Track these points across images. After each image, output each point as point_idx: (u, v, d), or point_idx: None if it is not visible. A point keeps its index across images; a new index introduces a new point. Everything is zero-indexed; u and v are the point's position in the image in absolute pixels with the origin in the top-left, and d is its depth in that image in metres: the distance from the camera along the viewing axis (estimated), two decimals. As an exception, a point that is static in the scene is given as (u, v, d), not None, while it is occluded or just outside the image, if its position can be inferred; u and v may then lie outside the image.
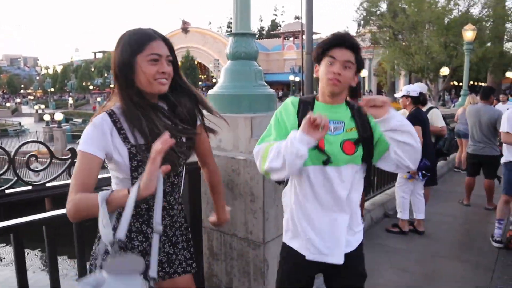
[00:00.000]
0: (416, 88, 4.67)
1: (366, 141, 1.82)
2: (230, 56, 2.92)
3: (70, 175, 2.25)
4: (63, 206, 2.17)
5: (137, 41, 1.55)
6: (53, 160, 2.21)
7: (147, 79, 1.56)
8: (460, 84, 21.50)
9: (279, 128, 1.83)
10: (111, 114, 1.60)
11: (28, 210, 2.09)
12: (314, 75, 1.93)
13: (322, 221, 1.82)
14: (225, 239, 2.79)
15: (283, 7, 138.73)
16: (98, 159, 1.54)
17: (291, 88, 46.08)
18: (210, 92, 2.96)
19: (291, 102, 1.89)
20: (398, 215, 4.80)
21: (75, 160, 2.21)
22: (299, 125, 1.72)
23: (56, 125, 26.75)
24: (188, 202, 2.61)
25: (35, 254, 14.86)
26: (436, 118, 5.00)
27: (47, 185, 2.16)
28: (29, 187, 2.11)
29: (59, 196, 2.11)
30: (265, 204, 2.53)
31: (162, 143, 1.39)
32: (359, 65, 1.81)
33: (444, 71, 23.09)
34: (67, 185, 1.78)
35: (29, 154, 2.22)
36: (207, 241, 2.89)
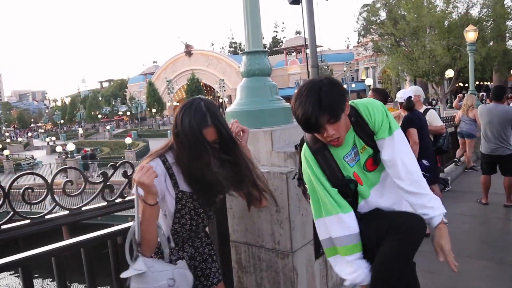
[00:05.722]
0: (403, 95, 4.70)
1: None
2: (244, 73, 3.03)
3: (103, 198, 2.36)
4: (80, 233, 2.24)
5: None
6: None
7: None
8: (466, 85, 21.41)
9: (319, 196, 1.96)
10: (164, 161, 1.81)
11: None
12: None
13: None
14: (253, 251, 2.85)
15: (283, 23, 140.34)
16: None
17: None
18: (228, 109, 3.05)
19: (307, 157, 1.95)
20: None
21: (108, 183, 2.33)
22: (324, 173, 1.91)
23: (69, 155, 27.15)
24: (215, 218, 2.68)
25: (47, 284, 14.95)
26: (434, 118, 5.30)
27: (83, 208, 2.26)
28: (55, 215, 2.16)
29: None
30: (290, 213, 2.60)
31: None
32: (341, 111, 1.76)
33: (449, 73, 23.10)
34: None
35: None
36: (235, 255, 2.95)
